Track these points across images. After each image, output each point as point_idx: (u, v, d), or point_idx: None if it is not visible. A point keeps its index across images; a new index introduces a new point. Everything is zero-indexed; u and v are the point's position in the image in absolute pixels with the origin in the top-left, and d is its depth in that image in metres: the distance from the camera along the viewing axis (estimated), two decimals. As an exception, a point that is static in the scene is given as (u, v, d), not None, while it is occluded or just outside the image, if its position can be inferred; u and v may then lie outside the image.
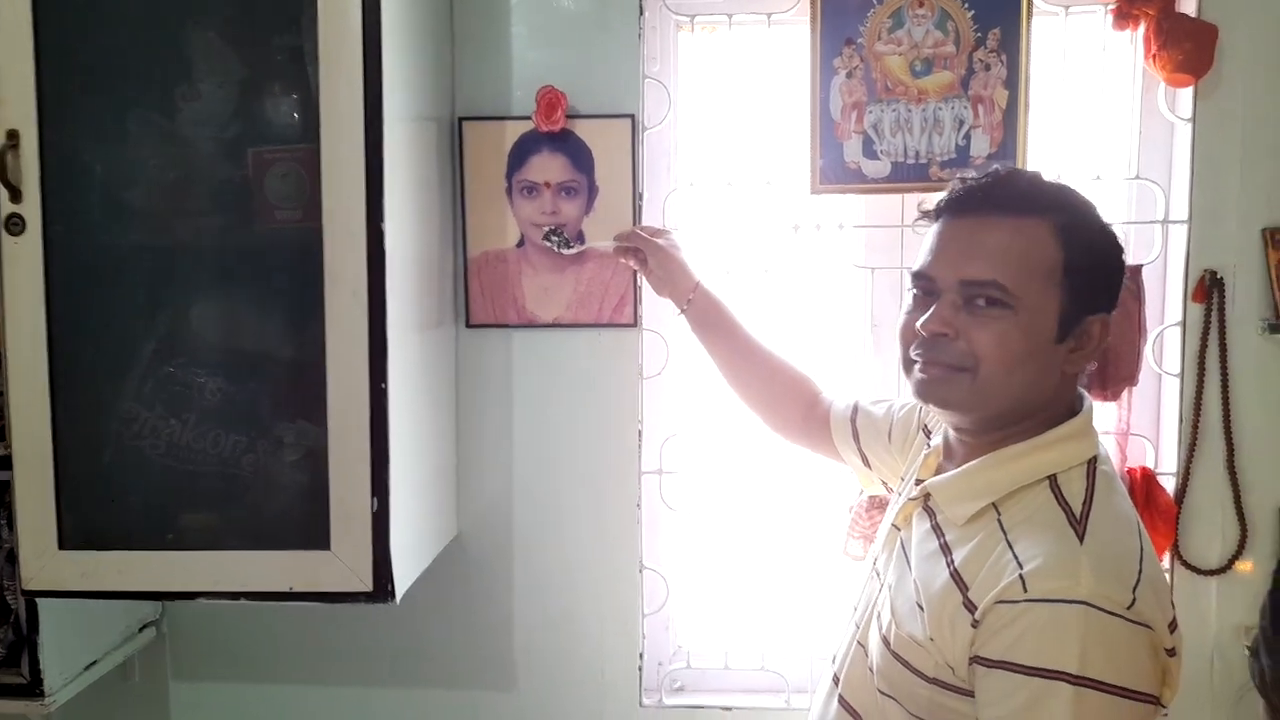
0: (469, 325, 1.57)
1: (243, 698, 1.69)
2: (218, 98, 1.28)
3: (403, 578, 1.31)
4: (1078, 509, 0.92)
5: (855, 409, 1.34)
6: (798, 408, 1.40)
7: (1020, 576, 0.87)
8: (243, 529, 1.34)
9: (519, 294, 1.56)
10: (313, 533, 1.27)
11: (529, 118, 1.50)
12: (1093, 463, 0.96)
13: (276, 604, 1.29)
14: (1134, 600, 0.86)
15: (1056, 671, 0.84)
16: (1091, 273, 0.96)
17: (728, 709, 1.61)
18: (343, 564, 1.26)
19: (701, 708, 1.62)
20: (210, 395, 1.32)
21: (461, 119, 1.53)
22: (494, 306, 1.56)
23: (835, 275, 1.60)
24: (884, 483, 1.33)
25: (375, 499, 1.25)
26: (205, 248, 1.34)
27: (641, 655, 1.62)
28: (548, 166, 1.52)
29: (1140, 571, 0.88)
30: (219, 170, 1.32)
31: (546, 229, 1.52)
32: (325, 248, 1.21)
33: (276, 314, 1.34)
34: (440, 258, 1.51)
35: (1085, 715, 0.83)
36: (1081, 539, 0.89)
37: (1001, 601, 0.88)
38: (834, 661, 1.11)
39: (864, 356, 1.60)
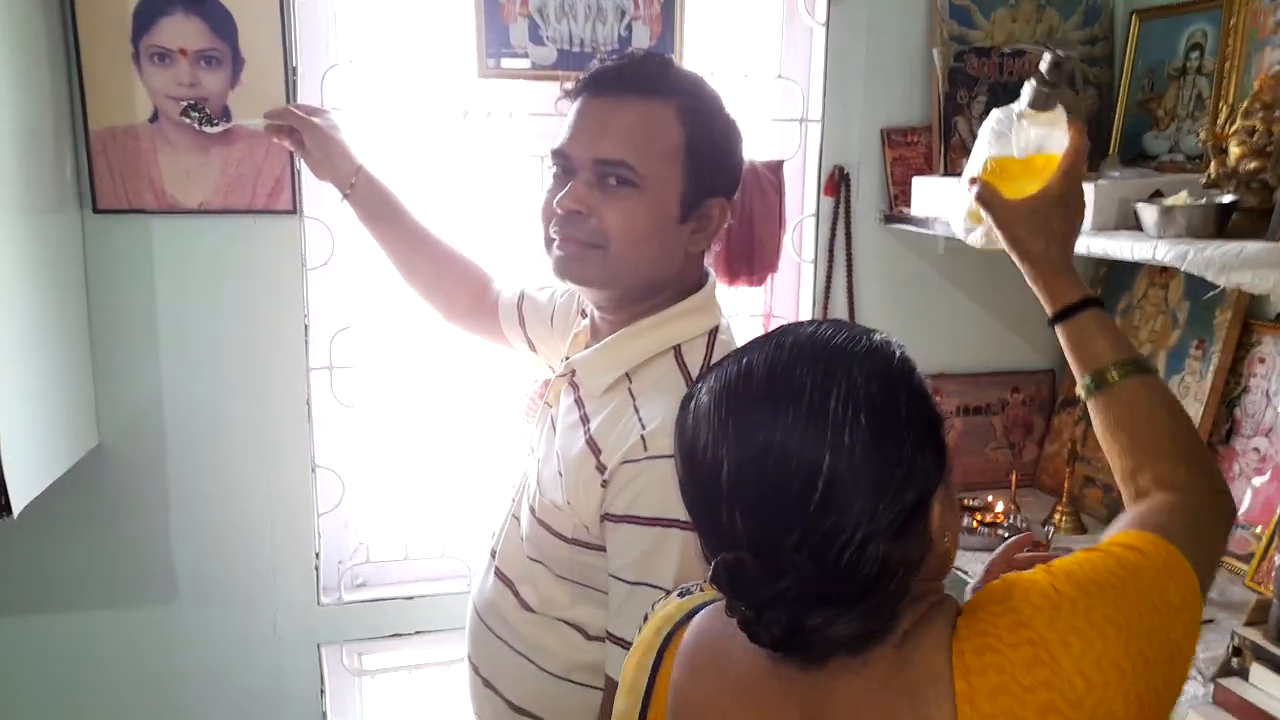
0: (97, 210, 1.40)
1: None
2: None
3: (23, 491, 1.17)
4: (695, 373, 1.00)
5: (521, 295, 1.36)
6: (467, 295, 1.39)
7: (642, 436, 0.94)
8: None
9: (156, 176, 1.40)
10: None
11: (154, -28, 1.33)
12: (713, 333, 1.05)
13: None
14: None
15: (669, 519, 0.92)
16: (711, 156, 1.03)
17: (409, 598, 1.63)
18: (-61, 478, 1.10)
19: (382, 600, 1.62)
20: None
21: (69, -31, 1.32)
22: (126, 189, 1.40)
23: (507, 162, 1.60)
24: (550, 366, 1.37)
25: (-23, 404, 1.10)
26: None
27: (318, 554, 1.58)
28: (182, 30, 1.36)
29: None
30: None
31: (185, 103, 1.37)
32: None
33: None
34: (54, 132, 1.31)
35: (692, 554, 0.91)
36: None
37: (626, 461, 0.95)
38: (493, 538, 1.16)
39: (536, 244, 1.62)
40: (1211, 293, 1.48)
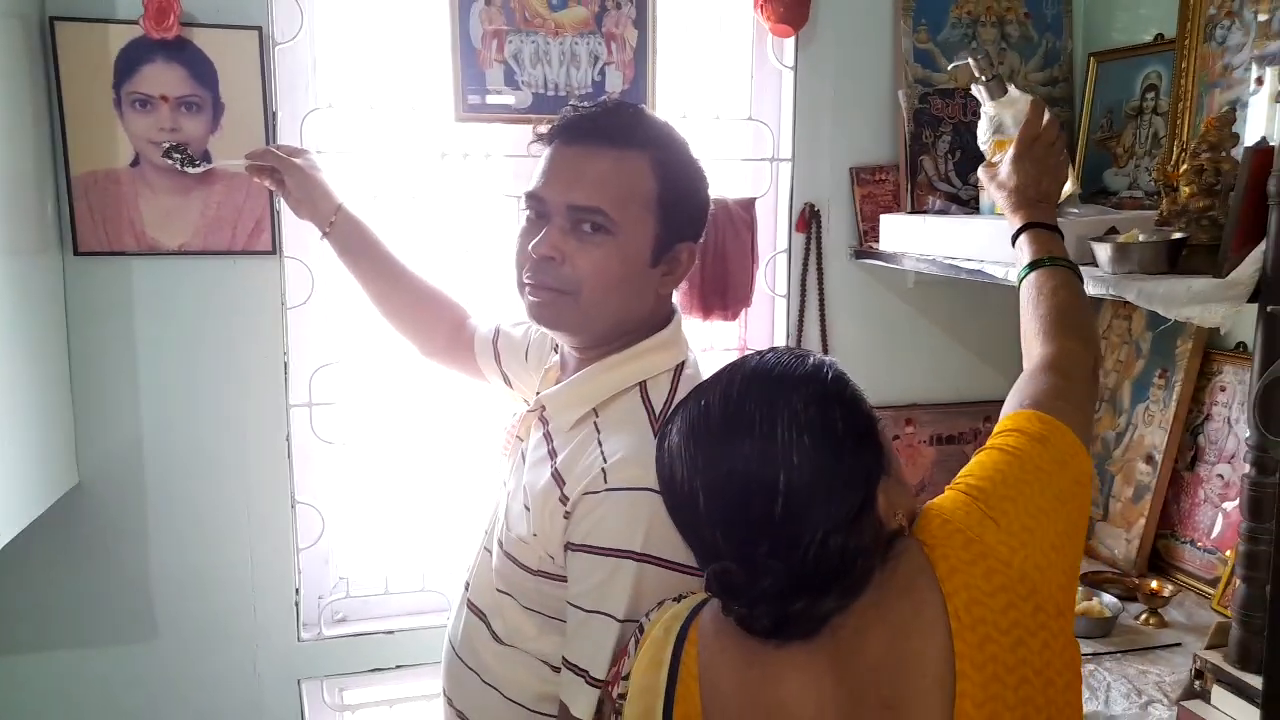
0: (78, 253, 1.42)
1: None
2: None
3: (1, 530, 1.18)
4: (659, 408, 1.03)
5: (497, 331, 1.38)
6: (444, 332, 1.42)
7: (603, 469, 0.97)
8: None
9: (136, 218, 1.43)
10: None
11: (137, 22, 1.36)
12: (679, 368, 1.08)
13: None
14: None
15: (625, 550, 0.94)
16: (681, 204, 1.06)
17: (390, 633, 1.64)
18: (-83, 520, 1.12)
19: (362, 635, 1.63)
20: None
21: (53, 19, 1.35)
22: (107, 232, 1.42)
23: (484, 202, 1.63)
24: (525, 400, 1.39)
25: (-44, 445, 1.11)
26: None
27: (298, 590, 1.59)
28: (163, 78, 1.40)
29: None
30: None
31: (167, 145, 1.40)
32: None
33: None
34: (36, 176, 1.34)
35: (645, 586, 0.94)
36: (657, 434, 1.00)
37: (588, 493, 0.97)
38: (467, 570, 1.17)
39: (511, 282, 1.65)
40: (1164, 325, 1.53)
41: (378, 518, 1.69)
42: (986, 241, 1.39)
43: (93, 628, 1.52)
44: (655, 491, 0.94)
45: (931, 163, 1.70)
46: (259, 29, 1.42)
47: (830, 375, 0.82)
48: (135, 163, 1.41)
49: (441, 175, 1.59)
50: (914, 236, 1.56)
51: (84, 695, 1.53)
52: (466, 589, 1.14)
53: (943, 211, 1.60)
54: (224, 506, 1.54)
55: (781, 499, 0.76)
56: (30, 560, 1.42)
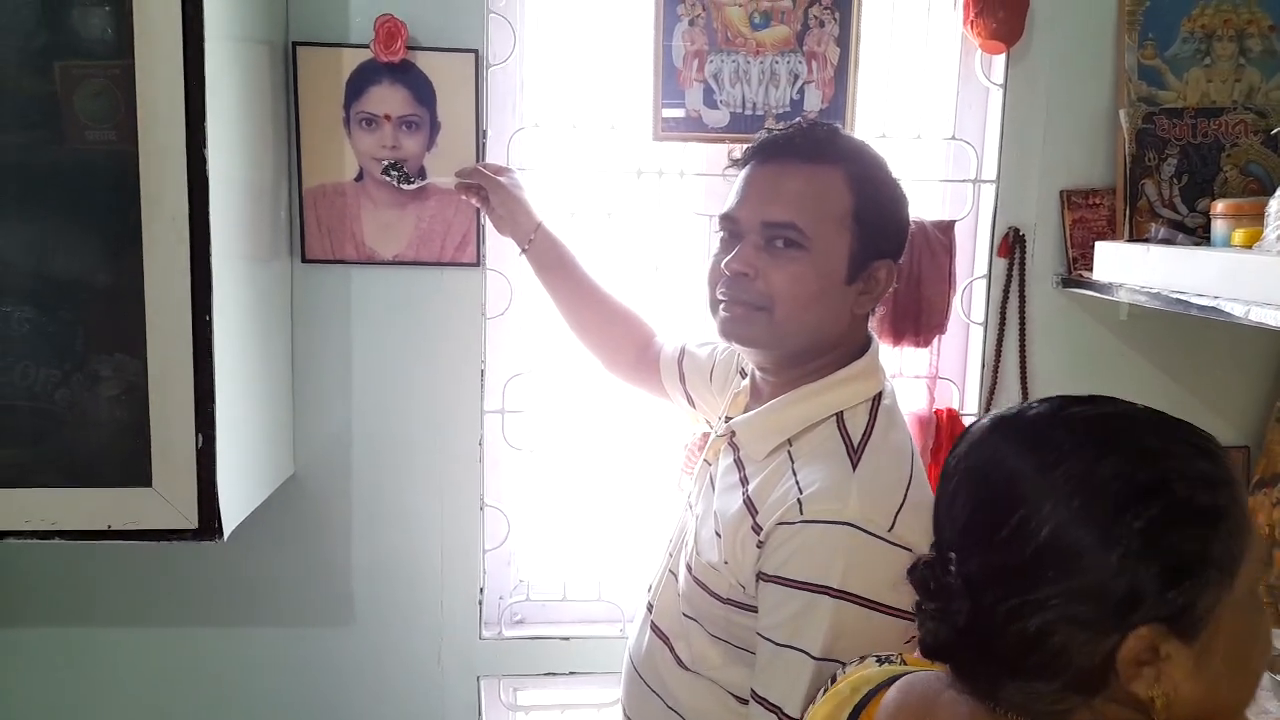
0: (305, 260, 1.54)
1: (62, 641, 1.62)
2: (19, 5, 1.18)
3: (232, 515, 1.28)
4: (856, 440, 1.00)
5: (682, 351, 1.39)
6: (631, 349, 1.44)
7: (799, 500, 0.95)
8: (57, 466, 1.28)
9: (358, 229, 1.53)
10: (133, 469, 1.23)
11: (367, 46, 1.46)
12: (877, 399, 1.04)
13: (99, 544, 1.24)
14: (895, 524, 0.94)
15: (821, 585, 0.91)
16: (878, 220, 1.04)
17: (566, 639, 1.67)
18: (165, 501, 1.23)
19: (539, 638, 1.67)
20: (18, 325, 1.25)
21: (295, 44, 1.47)
22: (331, 242, 1.53)
23: (676, 221, 1.65)
24: (708, 421, 1.39)
25: (200, 435, 1.22)
26: (8, 166, 1.24)
27: (482, 590, 1.65)
28: (388, 98, 1.49)
29: (905, 497, 0.97)
30: (23, 83, 1.22)
31: (386, 163, 1.49)
32: (142, 171, 1.15)
33: (91, 240, 1.27)
34: (273, 189, 1.46)
35: (843, 625, 0.91)
36: (855, 467, 0.98)
37: (782, 523, 0.95)
38: (649, 590, 1.18)
39: (701, 301, 1.66)
40: None
41: (559, 525, 1.73)
42: (1218, 275, 1.27)
43: (298, 609, 1.63)
44: (853, 526, 0.92)
45: (1154, 187, 1.58)
46: (475, 52, 1.49)
47: (1183, 466, 0.64)
48: (359, 177, 1.51)
49: (636, 194, 1.61)
50: (1133, 266, 1.45)
51: (285, 671, 1.65)
52: (650, 610, 1.15)
53: (1167, 240, 1.48)
54: (419, 503, 1.62)
55: (1019, 542, 0.64)
56: (250, 543, 1.53)
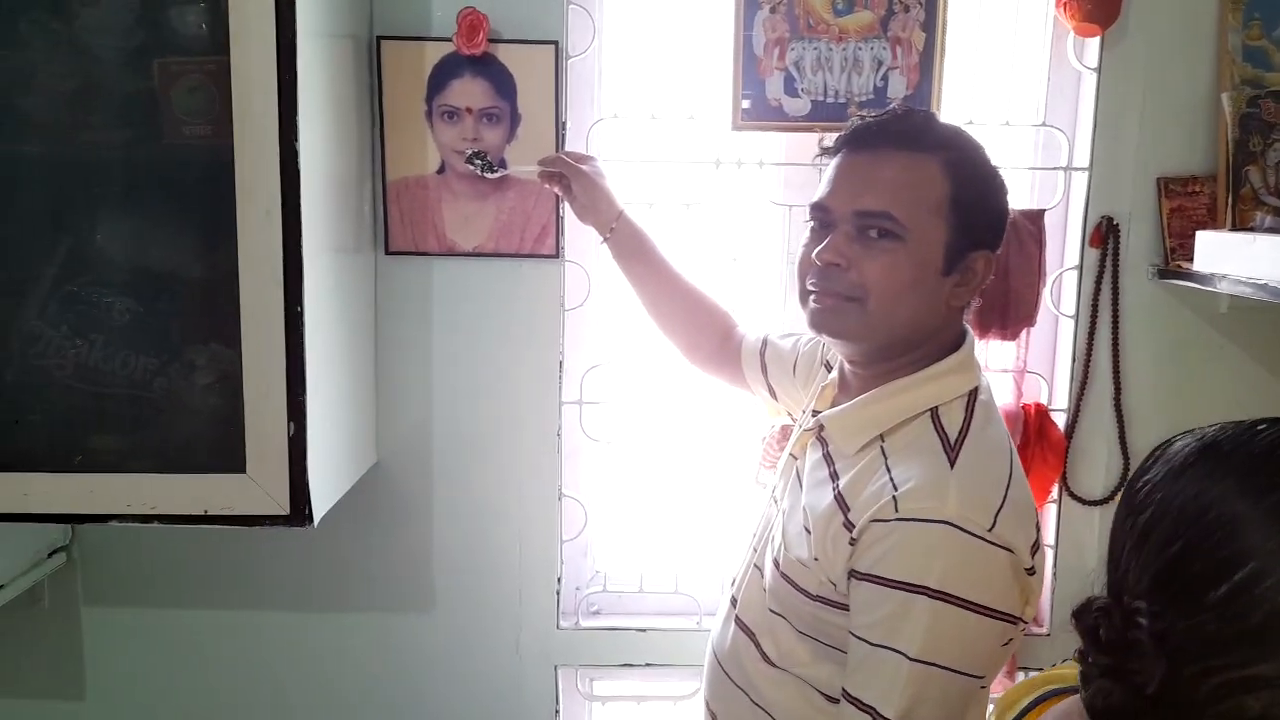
0: (388, 252, 1.56)
1: (158, 623, 1.68)
2: (119, 3, 1.22)
3: (320, 502, 1.31)
4: (953, 437, 0.97)
5: (764, 342, 1.38)
6: (713, 339, 1.43)
7: (894, 497, 0.93)
8: (155, 452, 1.32)
9: (439, 221, 1.54)
10: (228, 456, 1.26)
11: (450, 39, 1.47)
12: (973, 394, 1.01)
13: (191, 528, 1.28)
14: (995, 524, 0.91)
15: (918, 585, 0.89)
16: (976, 209, 1.00)
17: (642, 630, 1.67)
18: (258, 487, 1.26)
19: (616, 629, 1.67)
20: (119, 316, 1.29)
21: (380, 38, 1.49)
22: (414, 233, 1.55)
23: (755, 211, 1.63)
24: (789, 414, 1.38)
25: (292, 423, 1.25)
26: (110, 162, 1.29)
27: (559, 580, 1.66)
28: (469, 91, 1.50)
29: (1005, 496, 0.93)
30: (123, 81, 1.27)
31: (469, 152, 1.50)
32: (237, 165, 1.18)
33: (187, 232, 1.30)
34: (358, 181, 1.48)
35: (942, 627, 0.88)
36: (953, 464, 0.95)
37: (876, 520, 0.93)
38: (733, 584, 1.17)
39: (780, 291, 1.64)
40: None
41: (636, 516, 1.73)
42: (1332, 265, 1.21)
43: (380, 596, 1.66)
44: (952, 525, 0.89)
45: (1259, 174, 1.51)
46: (555, 43, 1.49)
47: None
48: (440, 170, 1.53)
49: (715, 184, 1.60)
50: (1237, 256, 1.39)
51: (368, 656, 1.68)
52: (734, 604, 1.14)
53: (1274, 229, 1.41)
54: (498, 493, 1.63)
55: (1241, 606, 0.55)
56: (335, 530, 1.57)
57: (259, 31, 1.15)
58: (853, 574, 0.95)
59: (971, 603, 0.88)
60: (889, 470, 0.97)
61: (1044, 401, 1.64)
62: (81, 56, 1.24)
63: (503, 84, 1.50)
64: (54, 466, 1.28)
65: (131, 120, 1.28)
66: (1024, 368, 1.63)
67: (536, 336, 1.59)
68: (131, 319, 1.29)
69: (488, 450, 1.62)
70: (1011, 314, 1.56)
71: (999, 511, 0.92)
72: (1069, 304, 1.61)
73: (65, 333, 1.28)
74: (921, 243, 0.99)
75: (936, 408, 1.00)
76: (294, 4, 1.15)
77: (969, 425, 0.99)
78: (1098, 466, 1.63)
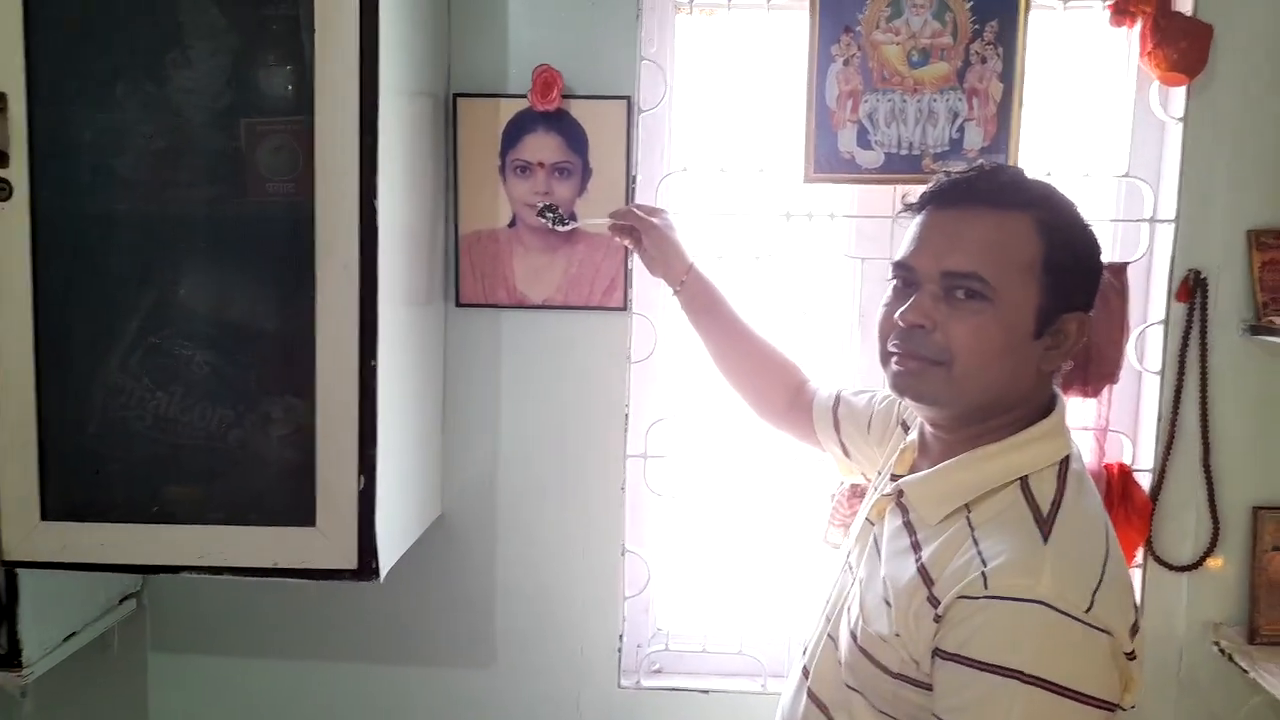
0: (459, 304, 1.57)
1: (222, 671, 1.68)
2: (210, 66, 1.26)
3: (387, 556, 1.30)
4: (1046, 509, 0.93)
5: (837, 399, 1.34)
6: (783, 394, 1.40)
7: (983, 573, 0.88)
8: (228, 504, 1.33)
9: (510, 274, 1.55)
10: (299, 509, 1.26)
11: (524, 96, 1.49)
12: (1065, 462, 0.97)
13: (258, 579, 1.29)
14: (1093, 604, 0.86)
15: (1010, 669, 0.84)
16: (1070, 269, 0.97)
17: (705, 692, 1.63)
18: (328, 541, 1.26)
19: (679, 690, 1.63)
20: (198, 368, 1.31)
21: (456, 95, 1.51)
22: (484, 286, 1.56)
23: (826, 264, 1.61)
24: (863, 473, 1.34)
25: (362, 477, 1.25)
26: (195, 218, 1.32)
27: (621, 637, 1.63)
28: (542, 146, 1.51)
29: (1103, 574, 0.89)
30: (210, 140, 1.30)
31: (541, 205, 1.51)
32: (317, 221, 1.19)
33: (267, 288, 1.33)
34: (432, 234, 1.50)
35: (1035, 713, 0.83)
36: (1046, 539, 0.90)
37: (963, 597, 0.88)
38: (805, 653, 1.12)
39: (851, 346, 1.61)
40: None
41: (699, 573, 1.70)
42: None
43: (442, 649, 1.65)
44: (1047, 605, 0.85)
45: (1358, 226, 1.45)
46: (627, 98, 1.50)
47: None
48: (512, 223, 1.54)
49: (785, 237, 1.58)
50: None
51: (428, 710, 1.66)
52: (806, 675, 1.10)
53: (1377, 285, 1.35)
54: (561, 547, 1.61)
55: None
56: (398, 582, 1.55)
57: (343, 93, 1.17)
58: (937, 653, 0.91)
59: (1067, 689, 0.84)
60: (976, 543, 0.92)
61: (1128, 462, 1.57)
62: (173, 117, 1.28)
63: (575, 138, 1.51)
64: (131, 517, 1.30)
65: (217, 178, 1.31)
66: (1106, 426, 1.57)
67: (602, 389, 1.58)
68: (210, 371, 1.31)
69: (551, 503, 1.61)
70: (1093, 371, 1.51)
71: (1096, 591, 0.87)
72: (1153, 360, 1.55)
73: (146, 385, 1.30)
74: (1011, 305, 0.95)
75: (1027, 477, 0.96)
76: (376, 66, 1.17)
77: (1062, 496, 0.94)
78: (1185, 530, 1.56)
